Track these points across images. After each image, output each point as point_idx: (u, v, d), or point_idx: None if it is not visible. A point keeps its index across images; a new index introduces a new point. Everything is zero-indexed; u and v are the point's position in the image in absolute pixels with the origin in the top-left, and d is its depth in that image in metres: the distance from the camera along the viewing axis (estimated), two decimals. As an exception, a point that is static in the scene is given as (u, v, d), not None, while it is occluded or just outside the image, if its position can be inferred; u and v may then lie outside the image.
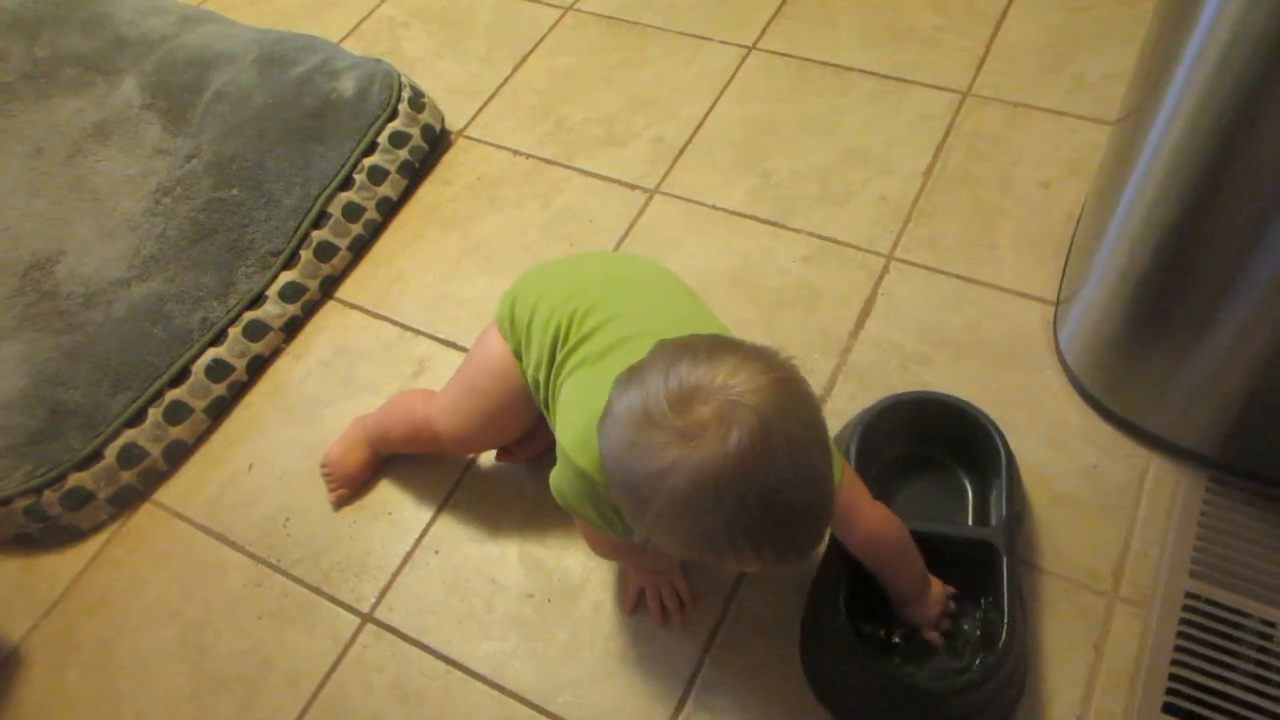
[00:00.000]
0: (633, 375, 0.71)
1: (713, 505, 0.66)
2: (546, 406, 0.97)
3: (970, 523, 1.04)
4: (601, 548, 1.02)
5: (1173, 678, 0.95)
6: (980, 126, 1.44)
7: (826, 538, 0.95)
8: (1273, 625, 0.97)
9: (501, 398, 1.04)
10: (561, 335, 0.93)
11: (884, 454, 1.08)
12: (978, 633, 0.97)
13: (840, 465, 0.86)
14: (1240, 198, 0.84)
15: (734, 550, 0.68)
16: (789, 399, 0.68)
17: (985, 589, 0.97)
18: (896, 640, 0.97)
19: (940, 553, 0.97)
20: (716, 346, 0.70)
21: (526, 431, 1.14)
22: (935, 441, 1.09)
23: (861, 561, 0.94)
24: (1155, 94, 0.88)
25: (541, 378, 0.96)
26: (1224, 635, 0.97)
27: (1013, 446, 1.03)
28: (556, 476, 0.90)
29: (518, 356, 1.01)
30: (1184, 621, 0.98)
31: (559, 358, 0.93)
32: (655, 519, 0.69)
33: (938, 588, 0.96)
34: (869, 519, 0.90)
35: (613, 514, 0.85)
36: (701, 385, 0.67)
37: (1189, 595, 0.99)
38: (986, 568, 0.96)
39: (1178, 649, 0.96)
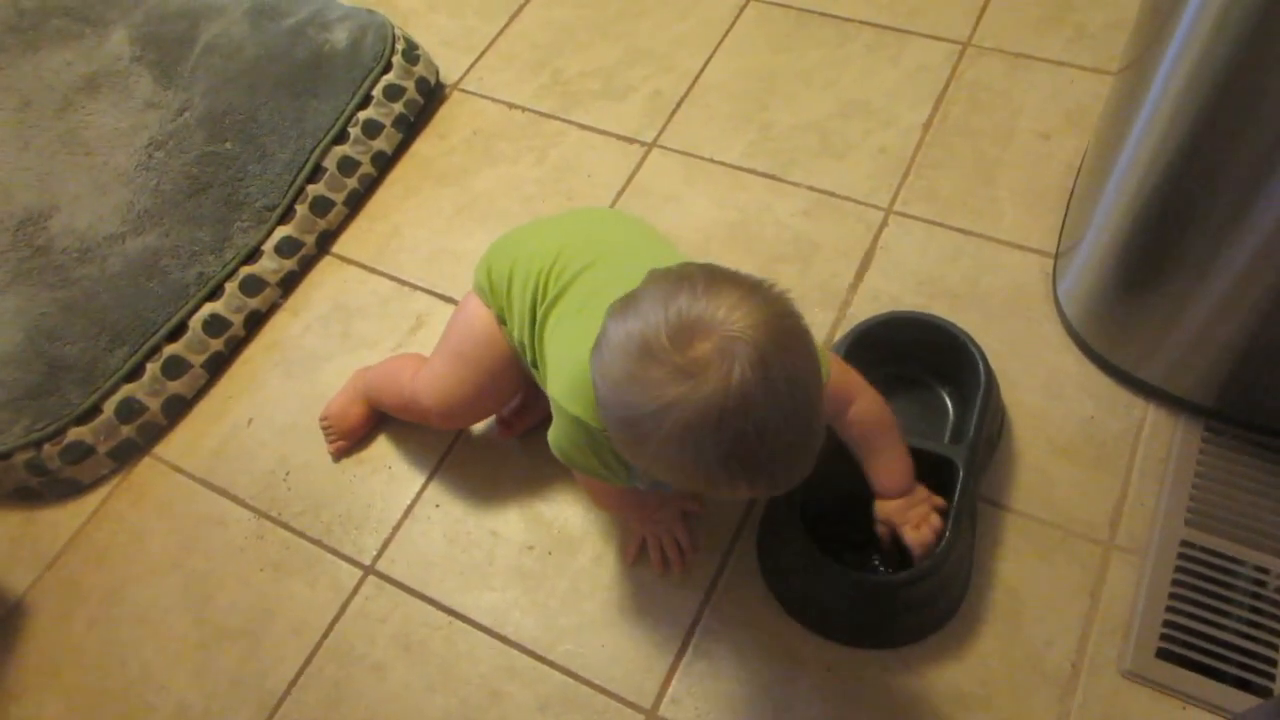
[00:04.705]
0: (628, 304, 0.70)
1: (713, 442, 0.66)
2: (535, 366, 0.97)
3: (946, 442, 1.05)
4: (604, 499, 1.02)
5: (1167, 624, 0.96)
6: (981, 77, 1.43)
7: None
8: (1266, 572, 0.98)
9: (490, 364, 1.03)
10: (540, 293, 0.93)
11: (870, 373, 1.08)
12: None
13: (828, 360, 0.87)
14: (1240, 148, 0.84)
15: (730, 482, 0.69)
16: (786, 335, 0.68)
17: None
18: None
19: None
20: (714, 279, 0.69)
21: (523, 402, 1.14)
22: (920, 361, 1.10)
23: (851, 446, 0.95)
24: (1158, 44, 0.87)
25: (526, 339, 0.96)
26: (1218, 582, 0.98)
27: (1011, 398, 1.04)
28: (554, 432, 0.89)
29: (502, 322, 1.01)
30: (1179, 569, 0.99)
31: (539, 315, 0.93)
32: (655, 453, 0.69)
33: (924, 492, 0.96)
34: (863, 398, 0.93)
35: (614, 460, 0.85)
36: (702, 319, 0.66)
37: (1184, 543, 1.00)
38: (951, 485, 0.97)
39: (1173, 596, 0.97)
